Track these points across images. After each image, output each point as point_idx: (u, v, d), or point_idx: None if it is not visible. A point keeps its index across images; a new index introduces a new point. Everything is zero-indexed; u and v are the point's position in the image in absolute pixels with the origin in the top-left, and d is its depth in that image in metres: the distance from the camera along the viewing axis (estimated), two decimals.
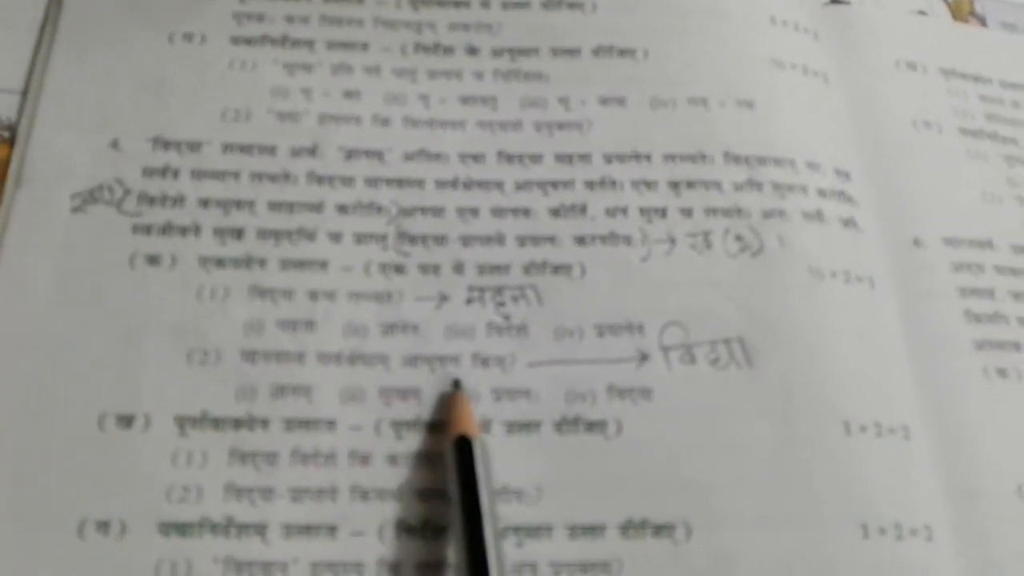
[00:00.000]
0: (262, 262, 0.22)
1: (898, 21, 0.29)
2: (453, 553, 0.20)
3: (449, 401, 0.21)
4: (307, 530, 0.20)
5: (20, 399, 0.20)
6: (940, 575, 0.21)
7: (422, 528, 0.20)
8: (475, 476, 0.19)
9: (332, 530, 0.20)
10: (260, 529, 0.20)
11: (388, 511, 0.20)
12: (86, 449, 0.20)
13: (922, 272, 0.25)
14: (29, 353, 0.21)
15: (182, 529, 0.20)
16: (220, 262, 0.22)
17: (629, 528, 0.20)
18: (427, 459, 0.21)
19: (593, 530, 0.20)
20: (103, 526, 0.19)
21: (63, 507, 0.20)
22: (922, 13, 0.29)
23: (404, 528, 0.20)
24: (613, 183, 0.24)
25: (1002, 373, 0.23)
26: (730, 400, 0.22)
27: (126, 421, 0.20)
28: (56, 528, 0.19)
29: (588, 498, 0.20)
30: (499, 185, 0.24)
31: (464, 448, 0.20)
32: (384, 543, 0.20)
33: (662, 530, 0.20)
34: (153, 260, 0.22)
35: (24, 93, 0.25)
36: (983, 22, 0.30)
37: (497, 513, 0.19)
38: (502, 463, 0.20)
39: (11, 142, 0.24)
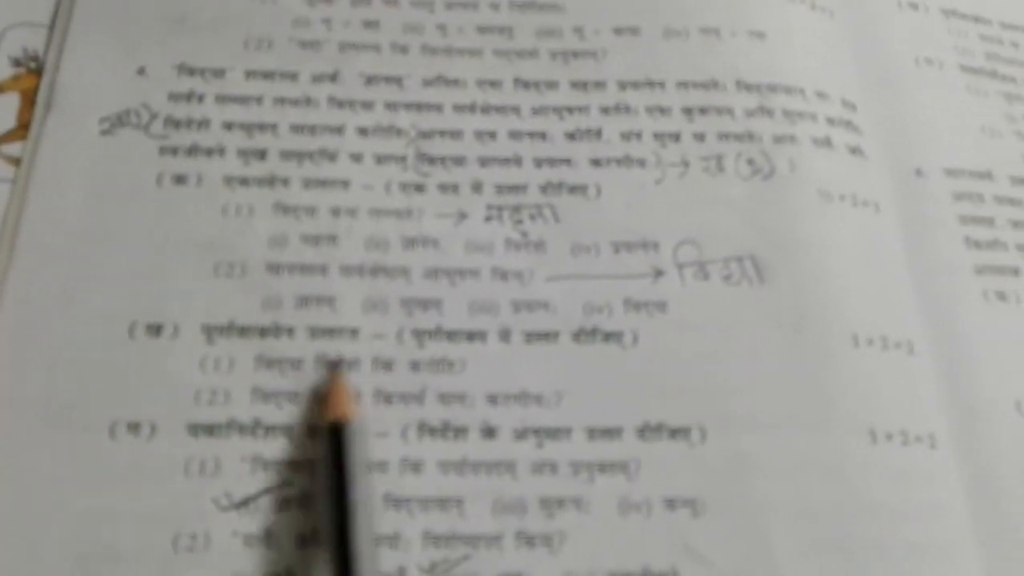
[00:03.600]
0: (285, 181, 0.23)
1: None
2: (473, 452, 0.20)
3: (329, 380, 0.21)
4: None
5: (55, 309, 0.21)
6: (943, 480, 0.21)
7: (443, 429, 0.20)
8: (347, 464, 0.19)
9: None
10: (287, 430, 0.20)
11: (411, 413, 0.21)
12: (117, 356, 0.21)
13: (924, 201, 0.25)
14: (63, 266, 0.22)
15: (210, 430, 0.20)
16: (244, 181, 0.23)
17: (646, 431, 0.21)
18: (447, 365, 0.21)
19: (611, 432, 0.21)
20: (134, 427, 0.20)
21: (95, 409, 0.20)
22: None
23: (426, 429, 0.20)
24: (627, 109, 0.25)
25: (1001, 296, 0.24)
26: (743, 313, 0.22)
27: (155, 329, 0.21)
28: (89, 429, 0.20)
29: (606, 403, 0.21)
30: (516, 110, 0.24)
31: (339, 433, 0.19)
32: (407, 443, 0.20)
33: (678, 433, 0.21)
34: (180, 179, 0.23)
35: (51, 27, 0.25)
36: None
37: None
38: (522, 370, 0.21)
39: (38, 72, 0.25)
